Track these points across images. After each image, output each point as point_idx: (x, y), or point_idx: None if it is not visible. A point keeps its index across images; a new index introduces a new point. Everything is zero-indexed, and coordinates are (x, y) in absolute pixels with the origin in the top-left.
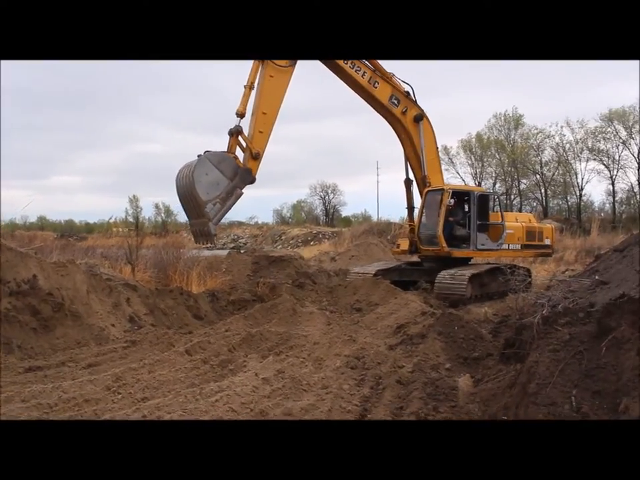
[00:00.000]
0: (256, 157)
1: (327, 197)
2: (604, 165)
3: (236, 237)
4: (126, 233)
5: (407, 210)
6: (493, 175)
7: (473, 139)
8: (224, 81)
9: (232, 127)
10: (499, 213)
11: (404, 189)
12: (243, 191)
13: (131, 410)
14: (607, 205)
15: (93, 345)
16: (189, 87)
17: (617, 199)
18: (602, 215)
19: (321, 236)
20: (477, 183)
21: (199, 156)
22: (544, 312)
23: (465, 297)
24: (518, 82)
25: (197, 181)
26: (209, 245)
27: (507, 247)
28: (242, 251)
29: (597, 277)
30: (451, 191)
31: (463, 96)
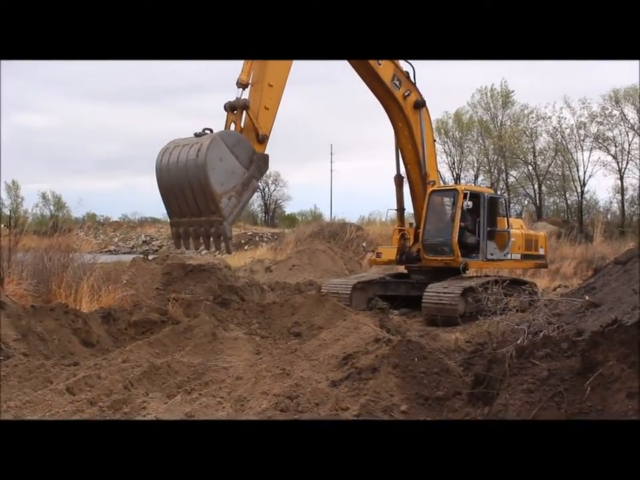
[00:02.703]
0: (262, 141)
1: (266, 189)
2: (611, 155)
3: (148, 238)
4: None
5: (396, 212)
6: (475, 165)
7: (450, 120)
8: None
9: (233, 100)
10: (505, 218)
11: (393, 187)
12: (259, 183)
13: None
14: (615, 205)
15: None
16: None
17: (626, 197)
18: (608, 216)
19: (257, 239)
20: (456, 175)
21: (196, 134)
22: (519, 341)
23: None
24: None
25: (211, 168)
26: (218, 251)
27: (510, 257)
28: (150, 258)
29: (587, 297)
30: (468, 192)
31: (442, 67)
